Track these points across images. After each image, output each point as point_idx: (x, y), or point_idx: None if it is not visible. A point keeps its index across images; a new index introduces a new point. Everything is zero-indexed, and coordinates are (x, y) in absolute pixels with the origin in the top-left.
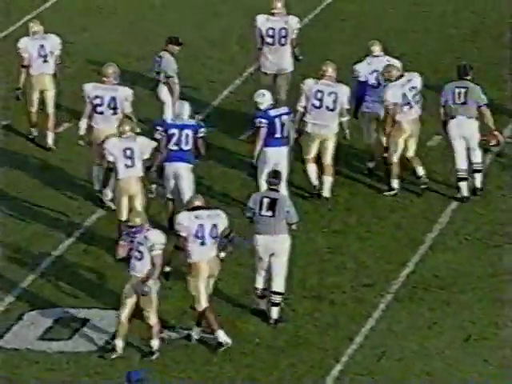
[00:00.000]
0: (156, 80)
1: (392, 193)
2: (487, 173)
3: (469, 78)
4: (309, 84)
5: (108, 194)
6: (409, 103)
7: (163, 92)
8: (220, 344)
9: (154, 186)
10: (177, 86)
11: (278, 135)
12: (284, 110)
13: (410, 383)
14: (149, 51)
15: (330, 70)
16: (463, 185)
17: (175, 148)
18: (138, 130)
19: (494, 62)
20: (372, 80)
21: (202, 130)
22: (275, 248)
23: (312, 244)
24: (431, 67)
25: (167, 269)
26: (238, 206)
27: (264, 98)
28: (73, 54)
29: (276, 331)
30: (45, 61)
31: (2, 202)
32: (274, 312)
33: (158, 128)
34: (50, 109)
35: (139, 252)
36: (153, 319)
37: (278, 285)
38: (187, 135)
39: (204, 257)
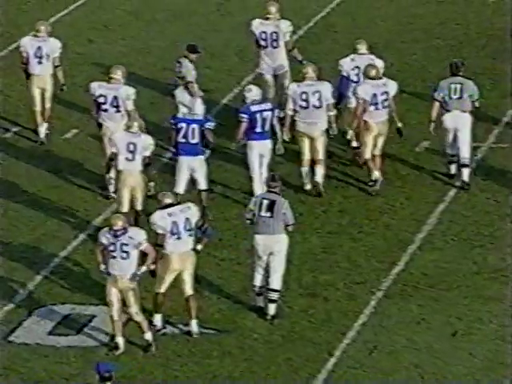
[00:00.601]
0: (178, 83)
1: (376, 185)
2: (472, 177)
3: (461, 73)
4: (292, 88)
5: (110, 179)
6: (376, 104)
7: (184, 95)
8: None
9: (151, 184)
10: (196, 89)
11: (258, 130)
12: (267, 105)
13: (400, 376)
14: (151, 62)
15: (310, 71)
16: (453, 166)
17: (183, 141)
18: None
19: (477, 72)
20: (353, 76)
21: (209, 123)
22: (273, 247)
23: (307, 244)
24: (418, 76)
25: (152, 267)
26: (237, 207)
27: (250, 93)
28: (80, 64)
29: (273, 327)
30: (39, 62)
31: (13, 205)
32: (271, 308)
33: (171, 121)
34: (47, 104)
35: (125, 252)
36: (140, 315)
37: (276, 282)
38: (193, 129)
39: (177, 250)
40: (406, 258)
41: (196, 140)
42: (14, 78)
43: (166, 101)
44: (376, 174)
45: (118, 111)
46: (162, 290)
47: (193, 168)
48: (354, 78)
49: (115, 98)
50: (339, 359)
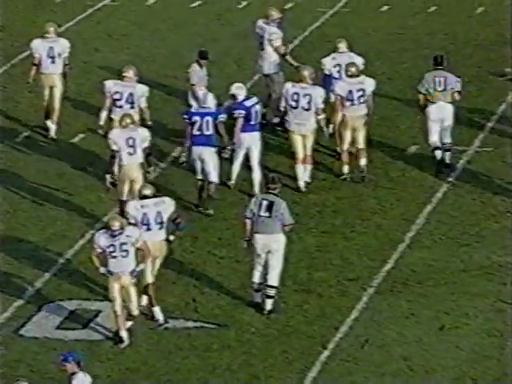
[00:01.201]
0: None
1: (342, 177)
2: (459, 179)
3: (443, 67)
4: (286, 87)
5: (108, 178)
6: (352, 100)
7: (191, 97)
8: (152, 318)
9: (151, 169)
10: (200, 93)
11: (252, 122)
12: (255, 99)
13: (390, 368)
14: (153, 69)
15: (306, 74)
16: (438, 152)
17: (198, 133)
18: (150, 123)
19: (464, 80)
20: (335, 73)
21: (221, 116)
22: (272, 246)
23: (302, 243)
24: (408, 84)
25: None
26: (235, 207)
27: (242, 91)
28: (87, 72)
29: (269, 321)
30: (52, 61)
31: (24, 206)
32: (268, 304)
33: (184, 116)
34: (57, 104)
35: (125, 251)
36: (138, 310)
37: (273, 279)
38: (208, 121)
39: (149, 239)
40: (396, 256)
41: (210, 131)
42: (24, 86)
43: (168, 106)
44: (346, 169)
45: (132, 107)
46: (150, 280)
47: (203, 158)
48: (336, 75)
49: (131, 94)
50: (332, 352)
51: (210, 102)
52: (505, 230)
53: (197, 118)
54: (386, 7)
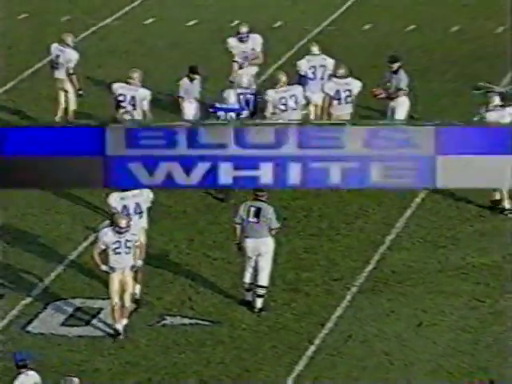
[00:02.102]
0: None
1: None
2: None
3: None
4: (271, 94)
5: None
6: (339, 99)
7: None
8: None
9: None
10: (184, 104)
11: None
12: (221, 114)
13: (372, 361)
14: (151, 84)
15: (284, 79)
16: None
17: None
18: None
19: (440, 94)
20: (310, 74)
21: (244, 111)
22: (261, 249)
23: (290, 245)
24: None
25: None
26: (228, 212)
27: (228, 95)
28: (90, 86)
29: (260, 318)
30: (56, 67)
31: (31, 210)
32: (259, 302)
33: (210, 110)
34: (71, 106)
35: (128, 247)
36: (129, 302)
37: (263, 279)
38: (231, 117)
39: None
40: (377, 257)
41: None
42: (32, 99)
43: (166, 117)
44: None
45: (135, 109)
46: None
47: None
48: (311, 76)
49: (133, 97)
50: (318, 347)
51: (232, 99)
52: (478, 233)
53: (221, 113)
54: (368, 26)
